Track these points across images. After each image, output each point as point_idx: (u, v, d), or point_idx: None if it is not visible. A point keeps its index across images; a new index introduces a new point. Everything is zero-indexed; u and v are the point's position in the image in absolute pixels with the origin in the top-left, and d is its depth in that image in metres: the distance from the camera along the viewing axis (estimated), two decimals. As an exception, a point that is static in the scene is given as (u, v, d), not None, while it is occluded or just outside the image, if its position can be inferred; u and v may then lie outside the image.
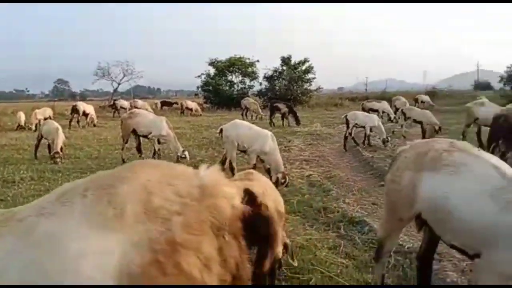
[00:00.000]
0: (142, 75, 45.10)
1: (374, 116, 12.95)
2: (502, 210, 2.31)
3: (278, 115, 19.33)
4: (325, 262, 4.01)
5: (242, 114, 22.76)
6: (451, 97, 35.84)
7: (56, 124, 10.55)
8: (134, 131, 9.78)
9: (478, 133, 11.10)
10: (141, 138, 10.00)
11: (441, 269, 3.75)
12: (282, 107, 19.01)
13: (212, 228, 1.43)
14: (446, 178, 2.64)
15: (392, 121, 18.25)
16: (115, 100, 31.77)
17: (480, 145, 10.67)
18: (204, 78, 35.43)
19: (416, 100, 26.54)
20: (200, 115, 26.54)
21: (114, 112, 26.62)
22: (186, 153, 9.61)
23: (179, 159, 9.43)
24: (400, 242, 4.30)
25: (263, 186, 3.12)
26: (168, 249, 1.28)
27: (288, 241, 3.71)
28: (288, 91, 32.40)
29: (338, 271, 3.81)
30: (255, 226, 2.86)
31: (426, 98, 27.42)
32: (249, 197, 2.85)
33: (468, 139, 11.11)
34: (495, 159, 2.73)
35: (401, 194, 2.99)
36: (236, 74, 35.97)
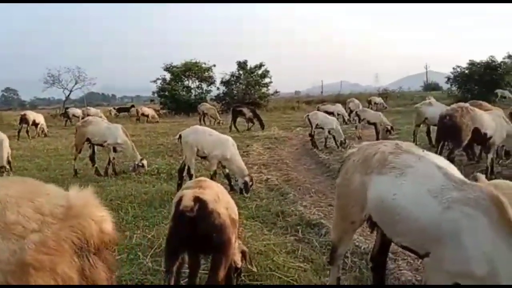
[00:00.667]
0: (95, 82, 43.91)
1: (334, 119, 13.32)
2: (445, 209, 2.38)
3: (239, 119, 19.20)
4: (284, 267, 4.00)
5: (200, 120, 22.52)
6: (402, 98, 37.24)
7: (1, 136, 9.93)
8: (88, 140, 9.37)
9: (428, 132, 11.58)
10: (95, 147, 9.59)
11: (396, 268, 3.84)
12: (247, 111, 18.93)
13: (74, 249, 1.39)
14: (392, 180, 2.70)
15: (347, 123, 18.75)
16: (66, 108, 30.64)
17: (430, 144, 11.16)
18: (160, 83, 34.92)
19: (369, 102, 27.35)
20: (157, 121, 26.03)
21: (66, 120, 25.71)
22: (145, 161, 9.33)
23: (135, 168, 9.18)
24: (356, 243, 4.38)
25: (215, 193, 3.07)
26: (17, 270, 1.23)
27: (245, 248, 3.68)
28: (246, 96, 32.52)
29: (296, 275, 3.81)
30: (208, 234, 2.85)
31: (379, 100, 28.34)
32: (200, 205, 2.84)
33: (418, 138, 11.61)
34: (439, 159, 2.82)
35: (351, 197, 3.03)
36: (193, 79, 35.66)
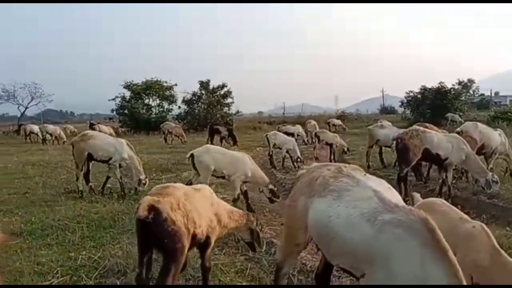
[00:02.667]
0: (52, 99, 42.63)
1: (292, 139, 13.56)
2: (377, 232, 2.44)
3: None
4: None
5: (164, 139, 22.29)
6: (359, 120, 38.49)
7: None
8: (90, 156, 8.63)
9: (380, 153, 12.03)
10: (90, 165, 8.91)
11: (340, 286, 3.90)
12: (223, 130, 19.31)
13: None
14: (330, 203, 2.77)
15: (306, 144, 19.11)
16: (20, 125, 29.44)
17: (382, 164, 11.56)
18: (119, 101, 34.29)
19: (328, 124, 28.07)
20: (116, 140, 25.41)
21: (26, 137, 25.66)
22: (147, 180, 8.88)
23: (139, 184, 8.72)
24: (303, 261, 4.44)
25: (175, 201, 3.20)
26: None
27: (252, 226, 4.29)
28: (208, 115, 32.49)
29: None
30: (160, 240, 2.88)
31: (338, 122, 29.15)
32: (154, 213, 2.87)
33: (372, 158, 12.00)
34: (377, 183, 2.92)
35: (296, 219, 3.09)
36: (154, 97, 35.34)
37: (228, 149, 16.74)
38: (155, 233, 3.06)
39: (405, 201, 4.78)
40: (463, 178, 8.99)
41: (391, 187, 3.06)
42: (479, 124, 9.37)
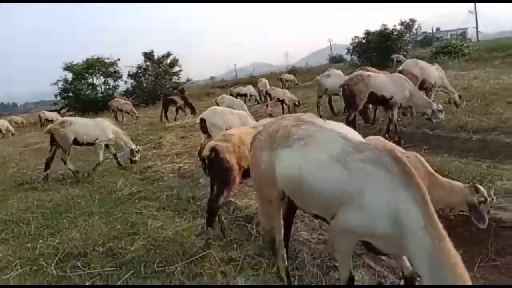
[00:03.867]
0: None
1: (239, 101, 13.54)
2: (348, 171, 2.46)
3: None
4: (192, 248, 4.06)
5: (115, 117, 21.40)
6: (310, 73, 38.68)
7: None
8: (76, 141, 8.52)
9: (329, 102, 12.28)
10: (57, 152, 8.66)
11: (294, 230, 4.07)
12: (178, 99, 18.13)
13: None
14: (297, 151, 2.74)
15: (259, 103, 19.19)
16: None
17: (332, 112, 11.85)
18: (62, 84, 32.66)
19: (281, 80, 28.11)
20: (63, 125, 24.40)
21: None
22: (139, 147, 9.27)
23: (132, 154, 8.92)
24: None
25: (232, 145, 4.17)
26: None
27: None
28: (157, 87, 31.67)
29: (202, 254, 3.89)
30: (218, 172, 4.17)
31: (290, 77, 29.14)
32: (215, 153, 4.11)
33: (322, 108, 12.26)
34: (339, 126, 2.93)
35: (263, 175, 3.04)
36: (97, 76, 33.91)
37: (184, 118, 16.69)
38: (214, 167, 4.16)
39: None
40: (408, 114, 9.39)
41: (347, 127, 3.06)
42: (418, 61, 9.67)
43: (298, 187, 2.73)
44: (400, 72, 9.05)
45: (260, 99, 19.69)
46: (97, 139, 8.61)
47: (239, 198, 5.61)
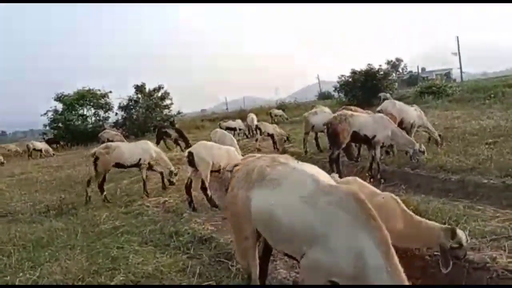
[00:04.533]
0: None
1: (230, 135, 13.71)
2: (316, 213, 2.62)
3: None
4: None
5: None
6: (298, 108, 39.21)
7: None
8: (118, 165, 9.13)
9: (316, 138, 12.50)
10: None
11: (273, 268, 4.13)
12: (172, 132, 18.06)
13: None
14: (270, 191, 2.91)
15: (247, 137, 19.40)
16: None
17: (318, 149, 12.06)
18: (52, 115, 32.70)
19: (270, 115, 28.50)
20: (52, 155, 24.35)
21: None
22: (177, 170, 9.85)
23: (171, 177, 9.54)
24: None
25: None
26: None
27: None
28: (147, 119, 31.80)
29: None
30: None
31: (279, 112, 29.60)
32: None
33: (309, 144, 12.47)
34: (311, 168, 3.09)
35: (239, 213, 3.16)
36: (88, 107, 34.11)
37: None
38: None
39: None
40: (390, 153, 9.62)
41: (320, 169, 3.22)
42: (396, 101, 10.11)
43: (270, 225, 2.88)
44: (378, 112, 9.38)
45: (249, 133, 19.95)
46: (140, 159, 9.18)
47: (221, 234, 5.66)
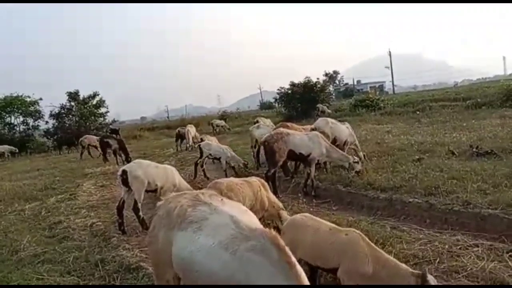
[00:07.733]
0: None
1: (226, 148, 13.11)
2: (234, 260, 2.51)
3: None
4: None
5: (88, 153, 21.04)
6: (240, 118, 39.50)
7: None
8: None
9: (257, 152, 12.41)
10: None
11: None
12: (113, 143, 16.77)
13: None
14: (190, 235, 2.75)
15: (187, 149, 18.98)
16: None
17: (257, 163, 12.00)
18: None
19: (212, 125, 28.35)
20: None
21: None
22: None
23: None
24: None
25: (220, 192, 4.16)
26: None
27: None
28: (81, 128, 30.25)
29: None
30: None
31: (221, 122, 29.58)
32: None
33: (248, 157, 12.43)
34: (234, 207, 2.98)
35: (160, 255, 2.97)
36: (16, 115, 31.96)
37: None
38: None
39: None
40: (324, 170, 9.85)
41: (247, 209, 3.16)
42: (329, 119, 10.42)
43: (190, 272, 2.73)
44: (312, 130, 9.63)
45: (190, 145, 19.20)
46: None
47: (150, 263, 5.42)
